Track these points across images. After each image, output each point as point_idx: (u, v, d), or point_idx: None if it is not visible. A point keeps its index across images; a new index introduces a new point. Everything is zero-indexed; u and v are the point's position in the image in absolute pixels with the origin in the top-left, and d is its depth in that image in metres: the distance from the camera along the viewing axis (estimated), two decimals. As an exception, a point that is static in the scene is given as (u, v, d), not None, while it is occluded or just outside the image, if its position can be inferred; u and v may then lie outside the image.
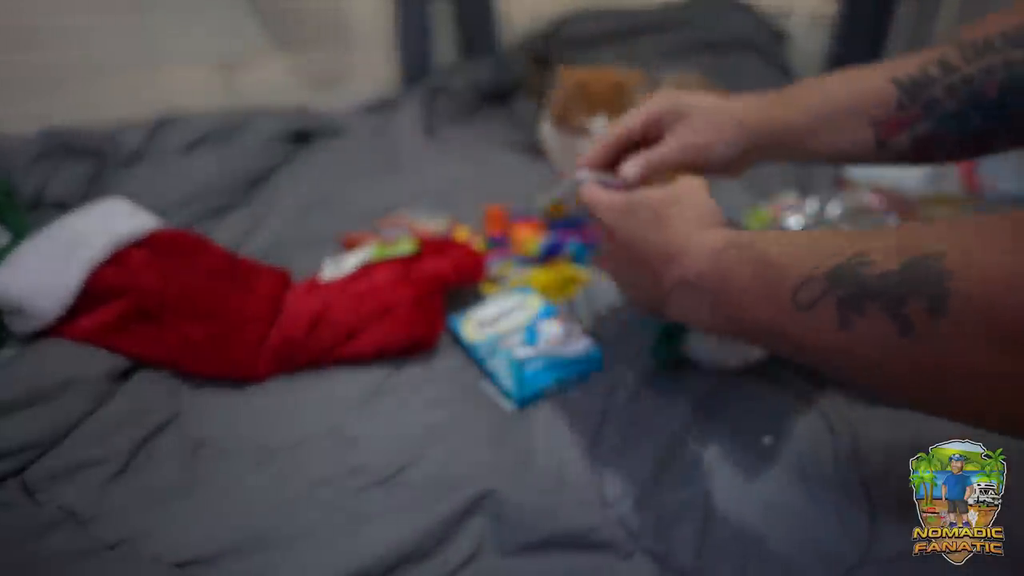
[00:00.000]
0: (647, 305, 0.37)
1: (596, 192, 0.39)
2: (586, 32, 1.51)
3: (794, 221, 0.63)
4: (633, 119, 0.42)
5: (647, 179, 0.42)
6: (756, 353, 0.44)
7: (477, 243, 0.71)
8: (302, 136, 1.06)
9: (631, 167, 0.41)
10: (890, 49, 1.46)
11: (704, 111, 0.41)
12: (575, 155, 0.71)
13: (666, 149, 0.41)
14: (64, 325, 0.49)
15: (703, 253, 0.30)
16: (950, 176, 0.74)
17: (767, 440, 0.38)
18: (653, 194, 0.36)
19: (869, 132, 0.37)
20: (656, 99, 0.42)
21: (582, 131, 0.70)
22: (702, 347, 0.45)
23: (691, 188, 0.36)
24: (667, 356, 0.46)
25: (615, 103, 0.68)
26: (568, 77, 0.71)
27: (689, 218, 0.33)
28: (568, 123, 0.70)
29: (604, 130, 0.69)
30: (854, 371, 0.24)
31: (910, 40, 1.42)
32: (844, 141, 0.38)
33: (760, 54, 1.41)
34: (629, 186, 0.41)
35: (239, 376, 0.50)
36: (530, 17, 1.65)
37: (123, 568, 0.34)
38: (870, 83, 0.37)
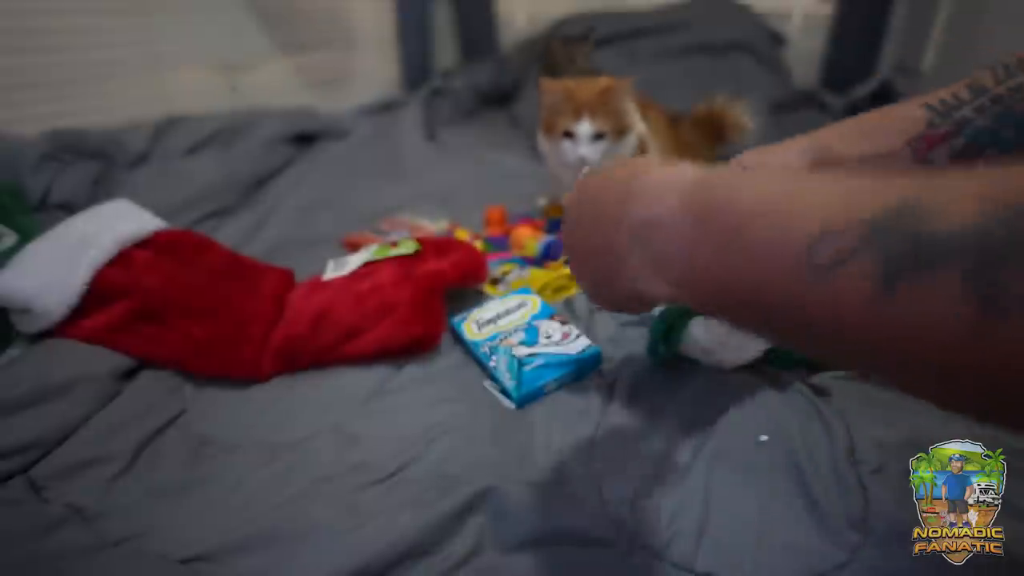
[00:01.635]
0: (605, 294, 0.29)
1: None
2: (586, 33, 1.51)
3: None
4: None
5: None
6: (751, 353, 0.45)
7: (477, 244, 0.72)
8: (305, 138, 1.07)
9: None
10: (886, 52, 1.46)
11: (767, 148, 0.41)
12: (563, 159, 0.73)
13: None
14: (70, 325, 0.50)
15: (669, 188, 0.23)
16: None
17: (762, 438, 0.38)
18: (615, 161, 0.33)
19: (902, 145, 0.36)
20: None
21: (569, 135, 0.71)
22: (698, 346, 0.45)
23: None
24: (664, 354, 0.46)
25: (599, 108, 0.70)
26: (551, 86, 0.74)
27: (648, 159, 0.26)
28: (555, 130, 0.72)
29: (588, 129, 0.71)
30: (887, 360, 0.17)
31: (905, 44, 1.42)
32: (877, 148, 0.37)
33: (757, 56, 1.41)
34: None
35: (242, 375, 0.50)
36: (530, 19, 1.66)
37: (129, 564, 0.34)
38: (901, 109, 0.37)
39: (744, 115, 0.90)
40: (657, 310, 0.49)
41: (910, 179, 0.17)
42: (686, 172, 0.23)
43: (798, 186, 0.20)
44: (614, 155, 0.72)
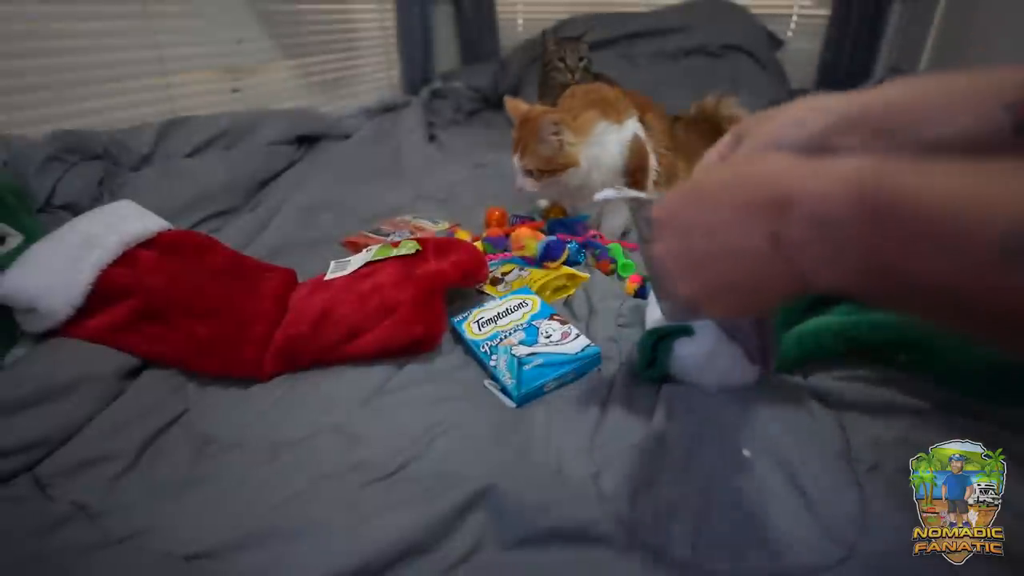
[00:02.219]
0: (750, 293, 0.28)
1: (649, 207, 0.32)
2: (585, 36, 1.52)
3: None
4: (710, 153, 0.38)
5: None
6: (736, 379, 0.44)
7: (477, 244, 0.72)
8: (307, 139, 1.08)
9: None
10: (882, 55, 1.46)
11: (770, 113, 0.35)
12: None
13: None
14: (74, 324, 0.50)
15: (836, 184, 0.23)
16: None
17: (746, 453, 0.38)
18: (710, 166, 0.32)
19: (1000, 113, 0.29)
20: (730, 131, 0.38)
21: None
22: (683, 367, 0.45)
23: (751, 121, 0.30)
24: (652, 376, 0.46)
25: (528, 145, 0.70)
26: (511, 106, 0.75)
27: (785, 158, 0.26)
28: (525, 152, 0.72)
29: (517, 164, 0.71)
30: None
31: (901, 46, 1.43)
32: (967, 121, 0.30)
33: (754, 58, 1.42)
34: None
35: (245, 374, 0.50)
36: (530, 22, 1.67)
37: (133, 561, 0.35)
38: (993, 72, 0.30)
39: (736, 109, 0.90)
40: (650, 326, 0.49)
41: None
42: (844, 168, 0.23)
43: (982, 179, 0.20)
44: (556, 186, 0.72)
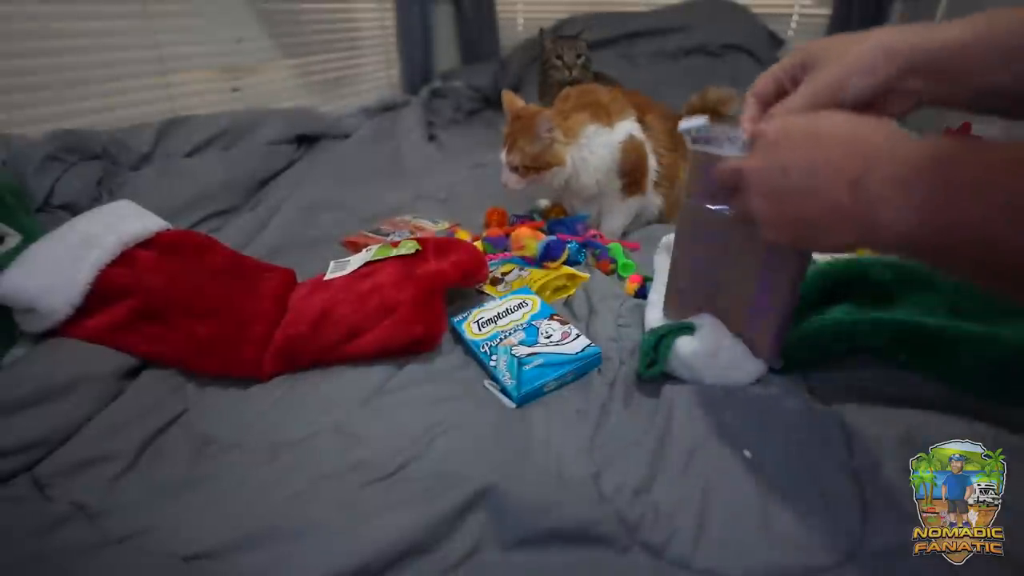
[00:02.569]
0: (814, 229, 0.32)
1: (763, 123, 0.35)
2: (585, 35, 1.52)
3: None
4: (764, 77, 0.39)
5: None
6: (737, 377, 0.44)
7: (477, 244, 0.72)
8: (307, 139, 1.08)
9: (747, 121, 0.38)
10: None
11: (837, 44, 0.36)
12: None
13: (794, 97, 0.36)
14: (73, 324, 0.50)
15: (917, 148, 0.27)
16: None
17: (747, 454, 0.38)
18: (827, 112, 0.33)
19: None
20: (791, 53, 0.38)
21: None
22: (684, 365, 0.45)
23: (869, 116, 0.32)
24: (653, 375, 0.46)
25: (516, 141, 0.72)
26: (507, 99, 0.76)
27: (887, 125, 0.30)
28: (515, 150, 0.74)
29: (503, 159, 0.73)
30: None
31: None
32: (1019, 68, 0.30)
33: (755, 57, 1.42)
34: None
35: (244, 374, 0.50)
36: (530, 22, 1.67)
37: (132, 562, 0.35)
38: None
39: (736, 102, 0.90)
40: (650, 326, 0.49)
41: None
42: (924, 142, 0.28)
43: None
44: (540, 183, 0.74)
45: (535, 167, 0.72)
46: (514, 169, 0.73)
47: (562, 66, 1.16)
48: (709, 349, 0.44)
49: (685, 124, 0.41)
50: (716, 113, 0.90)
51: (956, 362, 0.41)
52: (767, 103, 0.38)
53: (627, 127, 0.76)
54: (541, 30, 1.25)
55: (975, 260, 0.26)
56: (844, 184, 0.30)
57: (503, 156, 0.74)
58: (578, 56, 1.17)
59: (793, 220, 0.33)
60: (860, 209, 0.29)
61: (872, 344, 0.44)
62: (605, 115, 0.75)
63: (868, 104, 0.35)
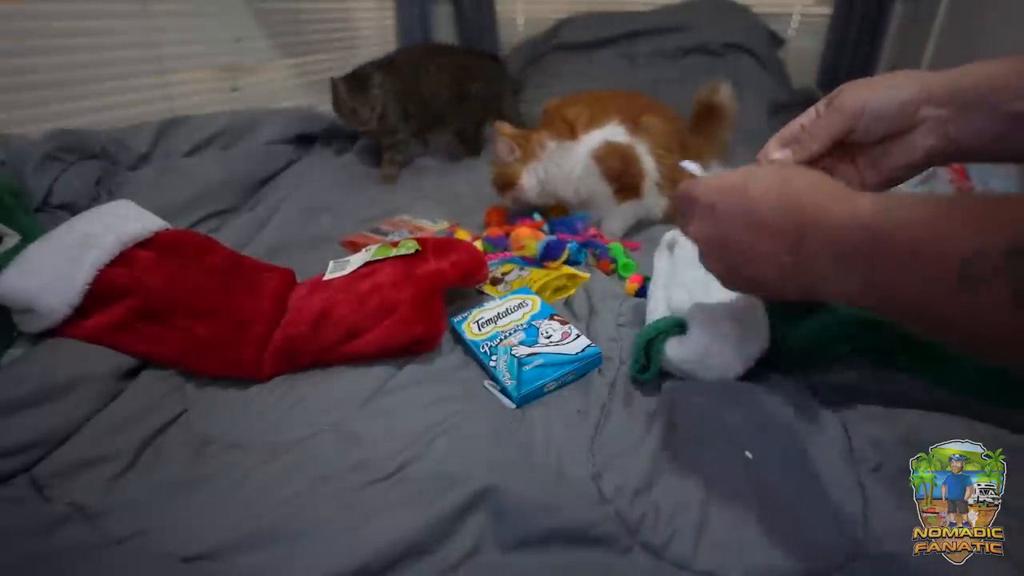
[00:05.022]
0: (764, 287, 0.34)
1: (694, 180, 0.37)
2: (585, 35, 1.52)
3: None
4: (792, 123, 0.39)
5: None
6: (732, 372, 0.44)
7: (477, 244, 0.72)
8: (306, 138, 1.08)
9: (774, 146, 0.38)
10: (884, 53, 1.46)
11: (863, 80, 0.36)
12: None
13: (819, 121, 0.37)
14: (72, 324, 0.50)
15: (854, 219, 0.27)
16: (940, 176, 0.74)
17: (748, 454, 0.38)
18: (759, 171, 0.33)
19: None
20: (831, 95, 0.38)
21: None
22: (674, 365, 0.45)
23: (799, 168, 0.33)
24: (647, 375, 0.46)
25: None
26: (504, 131, 0.79)
27: (816, 184, 0.30)
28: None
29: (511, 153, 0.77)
30: (1018, 355, 0.22)
31: (904, 45, 1.43)
32: None
33: (756, 57, 1.41)
34: None
35: (243, 375, 0.50)
36: (530, 22, 1.67)
37: (131, 562, 0.34)
38: None
39: (726, 94, 0.89)
40: (649, 317, 0.49)
41: None
42: (864, 205, 0.28)
43: (951, 212, 0.24)
44: (517, 197, 0.80)
45: (501, 185, 0.80)
46: (494, 186, 0.81)
47: (358, 121, 0.98)
48: (697, 354, 0.44)
49: (687, 164, 0.44)
50: (712, 108, 0.90)
51: (955, 364, 0.41)
52: (788, 144, 0.39)
53: (601, 135, 0.77)
54: (332, 80, 0.97)
55: (926, 324, 0.26)
56: (783, 251, 0.31)
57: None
58: (372, 109, 0.96)
59: (744, 278, 0.35)
60: (803, 272, 0.30)
61: (873, 345, 0.44)
62: (568, 129, 0.78)
63: (891, 135, 0.35)
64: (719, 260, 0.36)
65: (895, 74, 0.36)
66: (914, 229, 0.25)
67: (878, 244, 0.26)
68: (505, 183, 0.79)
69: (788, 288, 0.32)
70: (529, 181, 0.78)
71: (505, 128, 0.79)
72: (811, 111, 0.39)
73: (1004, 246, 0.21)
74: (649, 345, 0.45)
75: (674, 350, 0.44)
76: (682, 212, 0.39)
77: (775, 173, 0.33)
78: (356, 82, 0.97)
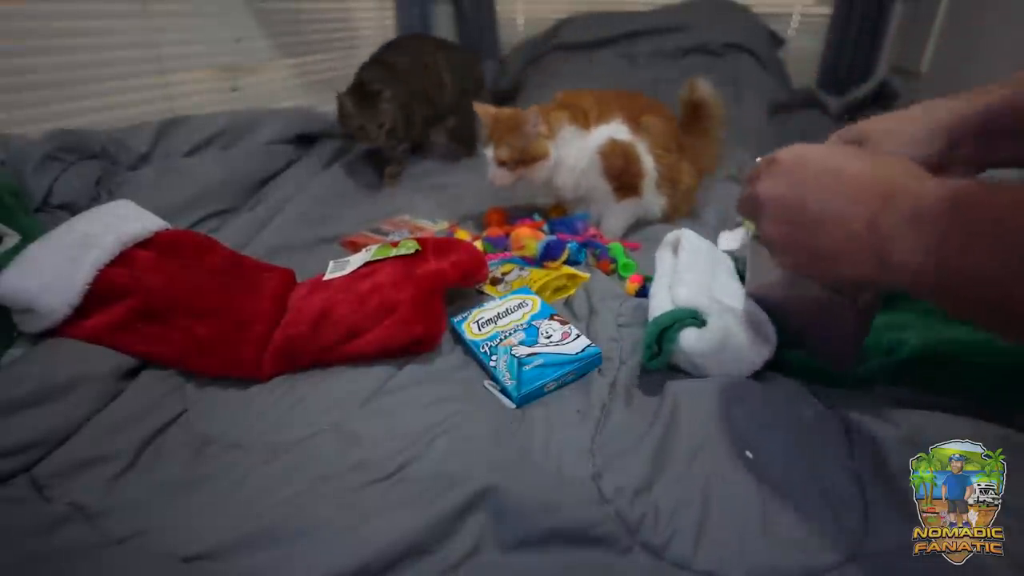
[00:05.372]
0: (823, 258, 0.33)
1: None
2: (585, 35, 1.52)
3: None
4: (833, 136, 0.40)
5: None
6: (737, 368, 0.44)
7: (477, 244, 0.72)
8: (306, 138, 1.08)
9: None
10: (884, 54, 1.46)
11: (891, 125, 0.37)
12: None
13: None
14: (72, 324, 0.50)
15: (937, 187, 0.28)
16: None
17: (748, 455, 0.38)
18: (816, 147, 0.34)
19: None
20: (840, 132, 0.39)
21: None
22: (687, 357, 0.45)
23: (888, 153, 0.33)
24: (656, 366, 0.46)
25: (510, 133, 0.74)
26: (484, 113, 0.77)
27: (907, 164, 0.31)
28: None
29: (490, 154, 0.75)
30: None
31: (904, 45, 1.43)
32: None
33: (756, 57, 1.41)
34: None
35: (243, 375, 0.50)
36: (530, 22, 1.67)
37: (131, 562, 0.35)
38: None
39: (705, 88, 0.89)
40: (653, 315, 0.49)
41: None
42: (942, 182, 0.28)
43: None
44: (527, 178, 0.76)
45: (522, 161, 0.75)
46: (502, 164, 0.75)
47: (366, 138, 0.96)
48: (716, 345, 0.44)
49: (725, 245, 0.44)
50: (696, 104, 0.89)
51: (958, 369, 0.41)
52: None
53: (608, 131, 0.76)
54: (337, 96, 0.95)
55: (987, 305, 0.26)
56: (860, 218, 0.30)
57: (489, 153, 0.76)
58: (380, 125, 0.94)
59: (808, 248, 0.33)
60: (875, 243, 0.29)
61: (873, 345, 0.44)
62: (583, 119, 0.77)
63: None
64: (788, 223, 0.34)
65: (920, 129, 0.37)
66: (1001, 198, 0.25)
67: (959, 211, 0.26)
68: (529, 157, 0.74)
69: (855, 260, 0.31)
70: (554, 158, 0.75)
71: (490, 108, 0.77)
72: (838, 137, 0.40)
73: None
74: (662, 334, 0.45)
75: (690, 341, 0.44)
76: (750, 177, 0.37)
77: (864, 150, 0.34)
78: (364, 98, 0.94)
